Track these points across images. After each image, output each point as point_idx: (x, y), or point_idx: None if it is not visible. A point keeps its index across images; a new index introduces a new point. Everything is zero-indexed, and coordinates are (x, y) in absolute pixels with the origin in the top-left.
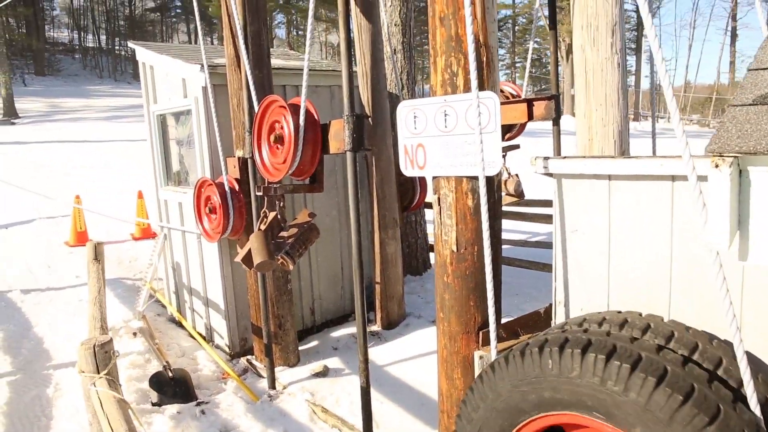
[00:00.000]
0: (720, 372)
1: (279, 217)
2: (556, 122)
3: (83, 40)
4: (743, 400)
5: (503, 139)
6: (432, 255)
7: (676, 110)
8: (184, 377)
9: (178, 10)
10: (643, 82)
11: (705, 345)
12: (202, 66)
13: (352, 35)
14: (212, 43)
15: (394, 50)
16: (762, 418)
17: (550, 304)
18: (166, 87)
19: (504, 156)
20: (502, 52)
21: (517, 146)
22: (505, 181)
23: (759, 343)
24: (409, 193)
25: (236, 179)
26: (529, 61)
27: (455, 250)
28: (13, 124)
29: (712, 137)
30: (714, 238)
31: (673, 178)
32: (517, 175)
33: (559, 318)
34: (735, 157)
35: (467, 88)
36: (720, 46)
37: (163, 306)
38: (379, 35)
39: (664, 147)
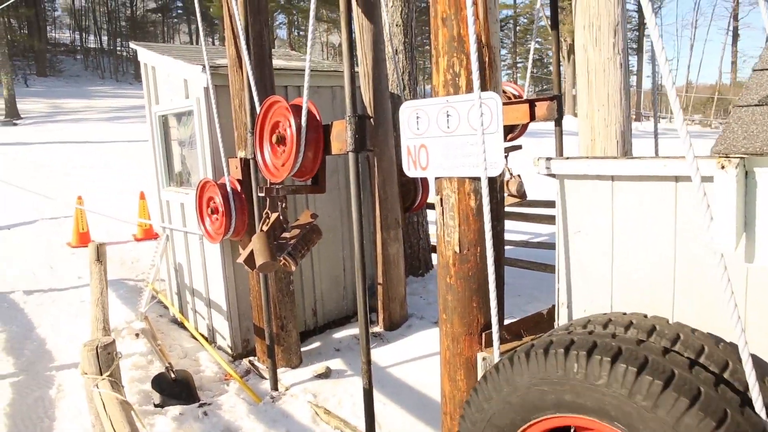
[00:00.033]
0: (726, 375)
1: (281, 218)
2: (559, 123)
3: (85, 41)
4: (750, 403)
5: (505, 139)
6: (434, 256)
7: (680, 111)
8: (186, 378)
9: (180, 11)
10: (644, 82)
11: (711, 348)
12: (204, 67)
13: (353, 36)
14: (213, 44)
15: (396, 50)
16: None
17: (553, 306)
18: (167, 88)
19: (506, 157)
20: (503, 52)
21: (519, 147)
22: (507, 182)
23: (764, 344)
24: (411, 194)
25: (238, 180)
26: (531, 61)
27: (458, 251)
28: (15, 124)
29: (717, 138)
30: (720, 239)
31: (677, 178)
32: (519, 175)
33: (562, 319)
34: (741, 158)
35: (469, 89)
36: (722, 45)
37: (166, 307)
38: (381, 35)
39: (666, 147)
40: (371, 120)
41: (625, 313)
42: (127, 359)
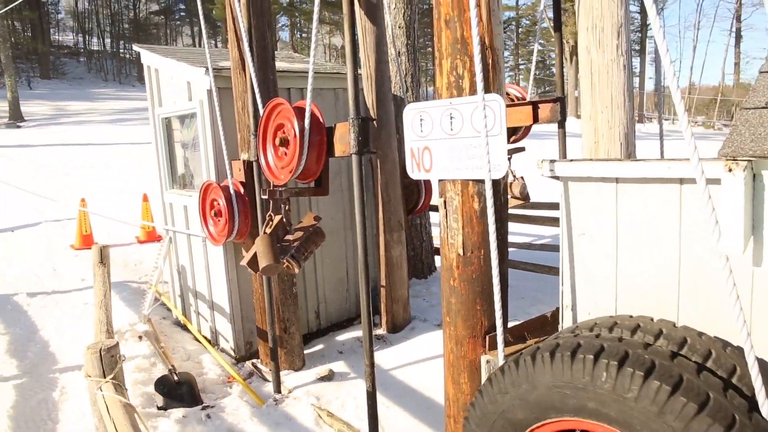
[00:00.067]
0: (734, 380)
1: (284, 220)
2: (562, 125)
3: (88, 44)
4: (758, 408)
5: (508, 141)
6: (437, 258)
7: (685, 114)
8: (189, 381)
9: (182, 13)
10: (647, 84)
11: (718, 352)
12: (207, 69)
13: (356, 38)
14: (216, 46)
15: (399, 52)
16: None
17: (557, 308)
18: (171, 90)
19: (509, 159)
20: (505, 54)
21: (522, 149)
22: (511, 184)
23: None
24: (414, 196)
25: (241, 182)
26: (534, 63)
27: (461, 253)
28: (19, 127)
29: (725, 141)
30: (728, 243)
31: (681, 181)
32: (522, 177)
33: (566, 322)
34: (749, 161)
35: (473, 91)
36: (724, 47)
37: (169, 309)
38: (384, 37)
39: (670, 148)
40: (374, 122)
41: (631, 316)
42: (130, 361)
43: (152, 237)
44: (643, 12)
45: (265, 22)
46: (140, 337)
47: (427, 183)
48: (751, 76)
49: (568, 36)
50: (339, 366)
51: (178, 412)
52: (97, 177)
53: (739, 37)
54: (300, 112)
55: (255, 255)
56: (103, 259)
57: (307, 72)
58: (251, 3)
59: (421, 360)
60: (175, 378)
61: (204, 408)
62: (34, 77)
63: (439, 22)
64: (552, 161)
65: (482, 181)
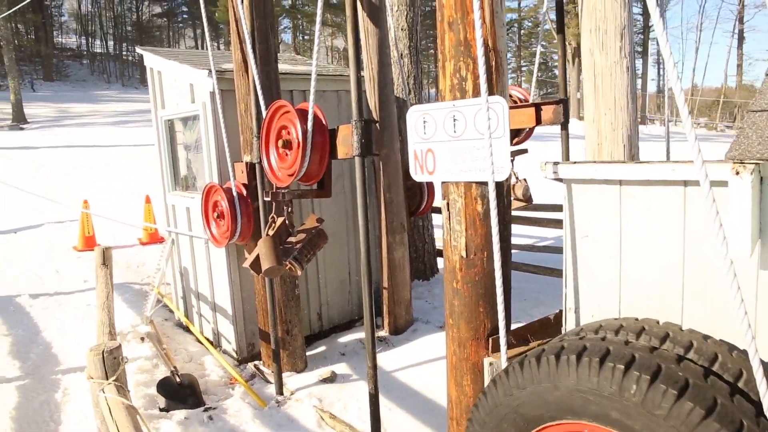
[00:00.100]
0: (741, 384)
1: (287, 222)
2: (565, 126)
3: (91, 46)
4: (765, 414)
5: (511, 143)
6: (439, 260)
7: (688, 116)
8: (191, 382)
9: (185, 16)
10: (649, 85)
11: (725, 356)
12: (210, 71)
13: (359, 40)
14: (219, 48)
15: (401, 54)
16: None
17: (560, 310)
18: (173, 92)
19: (512, 160)
20: (507, 55)
21: (525, 151)
22: (513, 186)
23: None
24: (417, 198)
25: (244, 184)
26: (536, 65)
27: (464, 255)
28: (22, 129)
29: (732, 143)
30: (735, 246)
31: (686, 183)
32: (525, 179)
33: (569, 324)
34: (756, 164)
35: (476, 93)
36: (727, 48)
37: (171, 311)
38: (386, 39)
39: (673, 150)
40: (377, 124)
41: (637, 319)
42: (132, 363)
43: (155, 239)
44: (645, 14)
45: (268, 24)
46: (142, 339)
47: (430, 185)
48: (754, 77)
49: (571, 38)
50: (341, 368)
51: (180, 414)
52: (97, 177)
53: (741, 39)
54: (303, 114)
55: (258, 257)
56: (106, 260)
57: (310, 74)
58: (254, 5)
59: (423, 362)
60: (178, 380)
61: (206, 410)
62: (37, 79)
63: (442, 25)
64: (555, 163)
65: (485, 184)
